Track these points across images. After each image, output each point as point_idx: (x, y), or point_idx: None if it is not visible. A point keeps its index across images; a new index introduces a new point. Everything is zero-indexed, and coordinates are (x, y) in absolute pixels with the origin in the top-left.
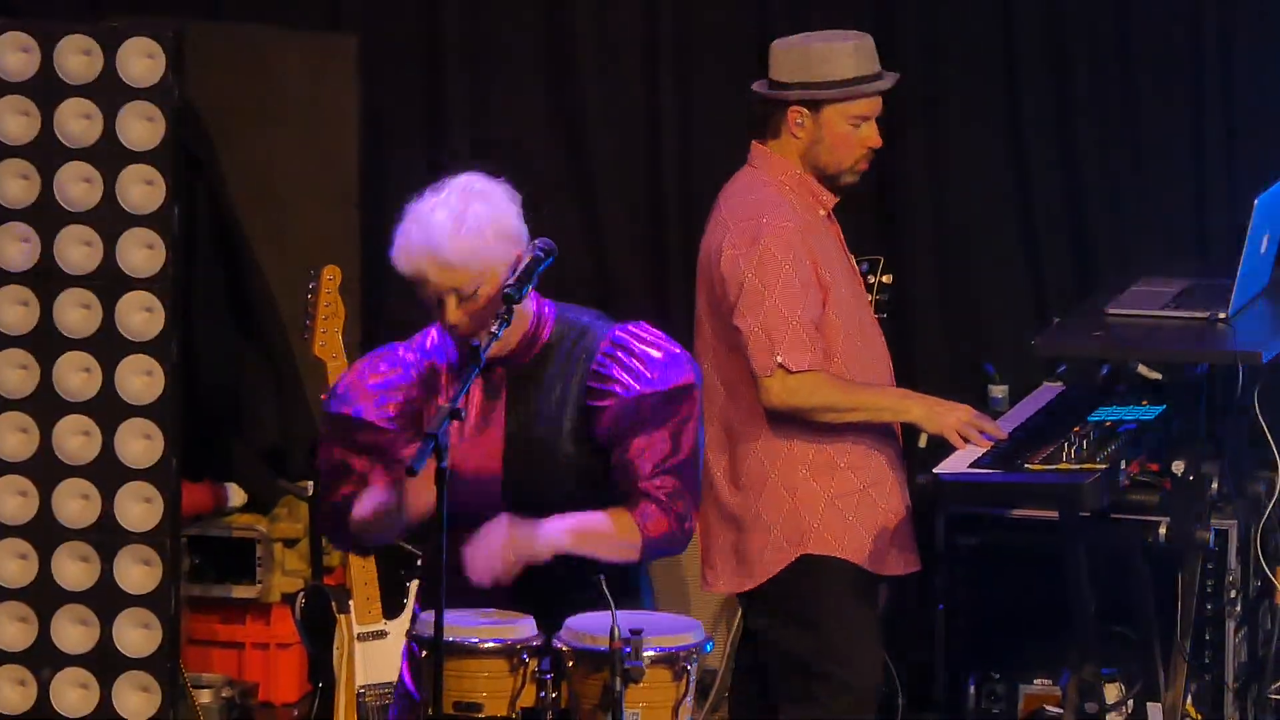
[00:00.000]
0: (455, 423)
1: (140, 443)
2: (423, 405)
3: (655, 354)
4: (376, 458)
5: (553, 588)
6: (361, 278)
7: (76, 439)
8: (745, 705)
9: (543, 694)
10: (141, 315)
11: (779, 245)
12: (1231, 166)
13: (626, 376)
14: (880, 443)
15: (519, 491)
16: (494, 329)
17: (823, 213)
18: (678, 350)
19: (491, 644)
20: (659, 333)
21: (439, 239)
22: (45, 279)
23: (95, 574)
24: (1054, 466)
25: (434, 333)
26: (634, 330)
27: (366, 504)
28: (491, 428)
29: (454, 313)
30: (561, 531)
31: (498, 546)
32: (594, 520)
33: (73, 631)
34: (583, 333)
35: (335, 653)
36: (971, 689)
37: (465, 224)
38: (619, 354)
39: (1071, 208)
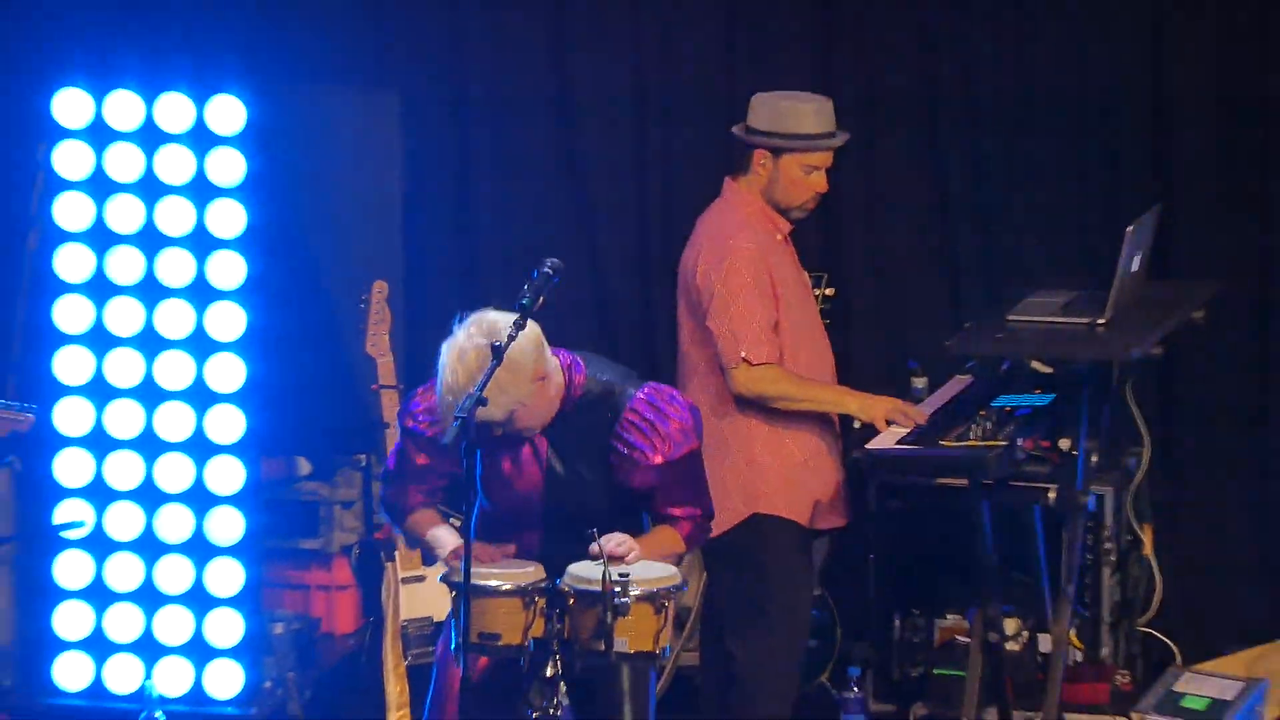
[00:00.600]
0: (512, 452)
1: (228, 423)
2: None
3: (666, 425)
4: (430, 463)
5: (564, 548)
6: (404, 290)
7: (175, 420)
8: (710, 636)
9: (549, 626)
10: (228, 320)
11: (743, 262)
12: (1111, 200)
13: (644, 445)
14: (820, 425)
15: (558, 513)
16: (511, 331)
17: (779, 237)
18: (683, 411)
19: (508, 586)
20: (668, 394)
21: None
22: (149, 291)
23: (192, 528)
24: (964, 443)
25: None
26: (649, 399)
27: (444, 539)
28: (536, 460)
29: (519, 423)
30: (639, 546)
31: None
32: (656, 540)
33: (174, 574)
34: (609, 392)
35: (383, 593)
36: (897, 623)
37: (478, 382)
38: (639, 422)
39: (980, 232)
